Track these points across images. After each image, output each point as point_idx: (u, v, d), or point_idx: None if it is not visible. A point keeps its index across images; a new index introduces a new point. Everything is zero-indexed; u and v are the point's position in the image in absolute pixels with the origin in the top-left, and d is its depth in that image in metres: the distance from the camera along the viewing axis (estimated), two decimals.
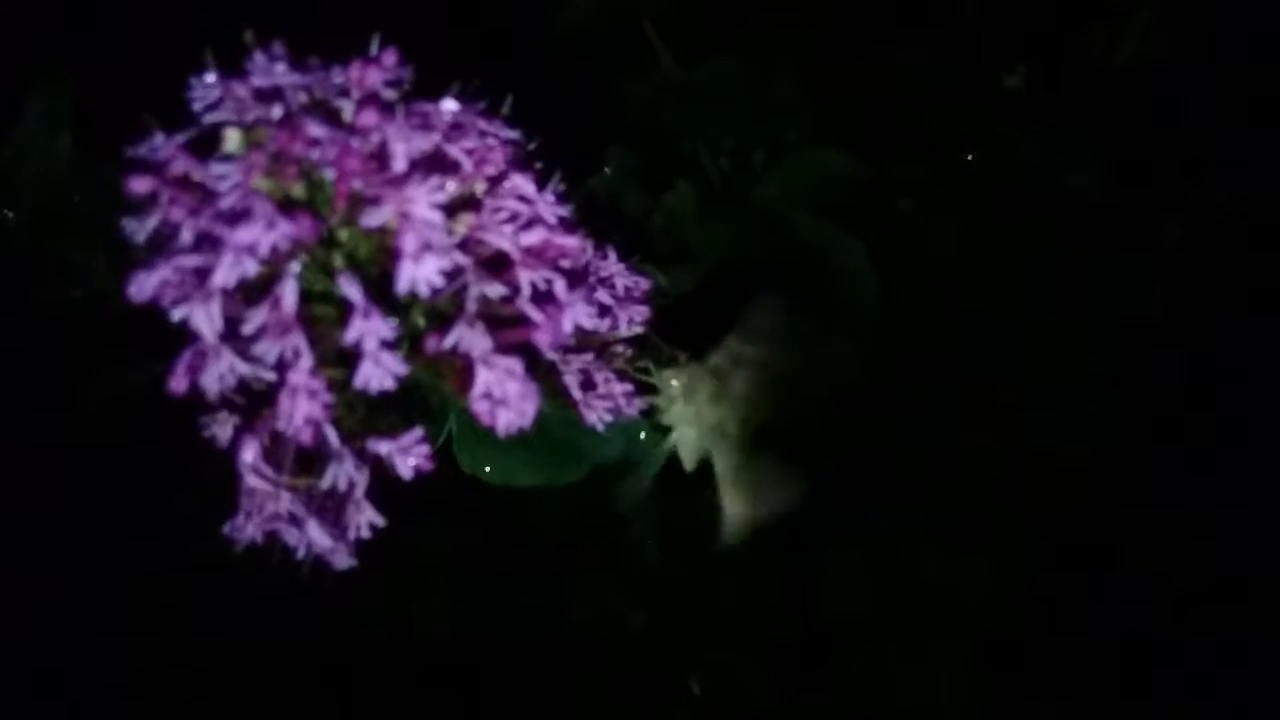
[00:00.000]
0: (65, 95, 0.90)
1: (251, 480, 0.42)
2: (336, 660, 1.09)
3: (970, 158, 1.22)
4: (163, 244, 0.39)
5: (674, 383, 0.63)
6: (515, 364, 0.41)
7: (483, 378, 0.40)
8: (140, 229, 0.40)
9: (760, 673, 1.09)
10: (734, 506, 0.67)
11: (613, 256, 0.52)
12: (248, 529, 0.43)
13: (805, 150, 1.06)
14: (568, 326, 0.42)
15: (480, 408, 0.40)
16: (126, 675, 1.04)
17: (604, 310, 0.52)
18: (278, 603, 1.05)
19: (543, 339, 0.41)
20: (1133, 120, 1.18)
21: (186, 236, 0.38)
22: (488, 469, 0.59)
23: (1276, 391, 1.10)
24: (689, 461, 0.67)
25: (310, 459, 0.44)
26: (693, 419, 0.65)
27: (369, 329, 0.36)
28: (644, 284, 0.53)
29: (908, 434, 1.15)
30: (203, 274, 0.37)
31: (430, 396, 0.60)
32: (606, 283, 0.52)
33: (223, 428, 0.43)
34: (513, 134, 0.44)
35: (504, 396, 0.40)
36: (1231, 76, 1.15)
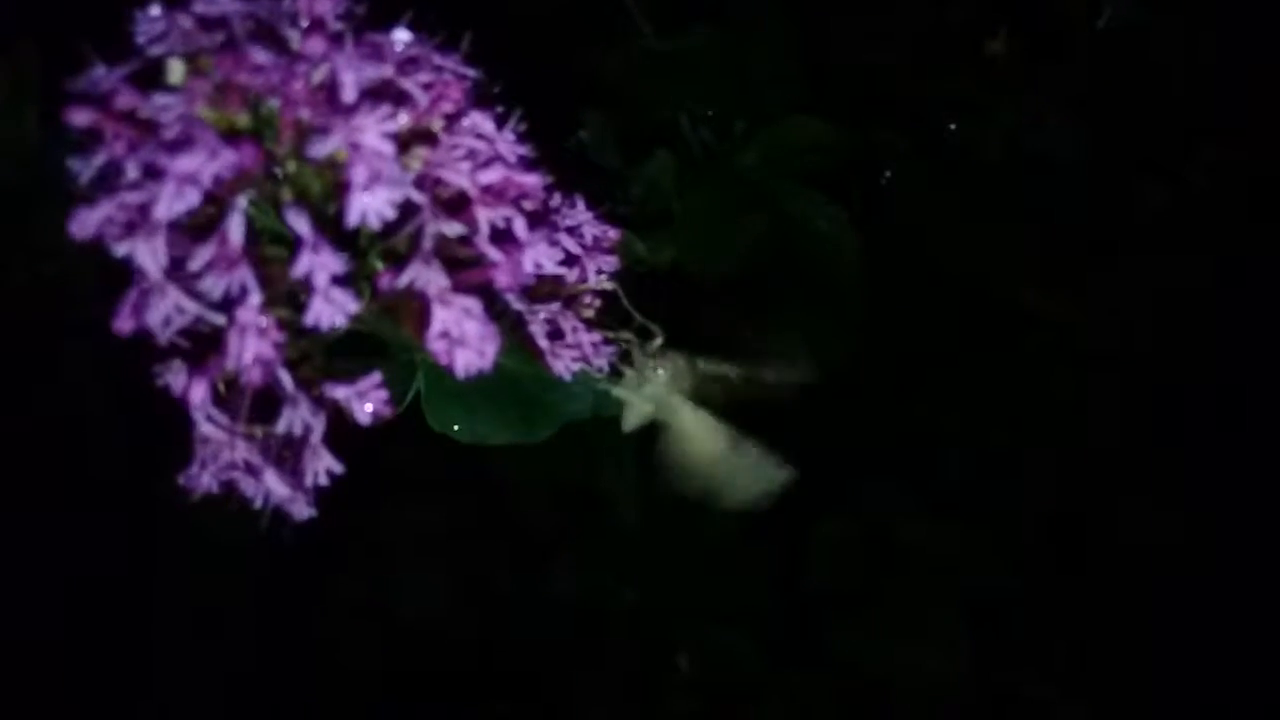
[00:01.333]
0: (32, 67, 0.89)
1: (205, 427, 0.41)
2: (327, 640, 1.08)
3: (953, 127, 1.21)
4: (109, 183, 0.38)
5: (641, 359, 0.61)
6: (473, 303, 0.39)
7: (439, 316, 0.39)
8: (86, 168, 0.39)
9: (750, 647, 1.08)
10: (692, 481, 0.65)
11: (580, 205, 0.51)
12: (203, 478, 0.42)
13: (786, 119, 1.05)
14: (528, 266, 0.41)
15: (437, 347, 0.39)
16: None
17: (572, 260, 0.51)
18: (266, 586, 1.05)
19: (502, 278, 0.40)
20: (1115, 85, 1.17)
21: (130, 172, 0.37)
22: (456, 427, 0.58)
23: (1264, 361, 1.10)
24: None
25: (267, 407, 0.43)
26: (652, 398, 0.62)
27: (318, 263, 0.35)
28: (612, 234, 0.52)
29: (896, 407, 1.14)
30: (147, 210, 0.36)
31: (398, 354, 0.59)
32: (574, 232, 0.51)
33: (176, 376, 0.41)
34: (471, 71, 0.43)
35: (462, 336, 0.39)
36: (1213, 41, 1.14)
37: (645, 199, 1.04)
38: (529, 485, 1.07)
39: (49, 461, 0.97)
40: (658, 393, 0.59)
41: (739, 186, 1.05)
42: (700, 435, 0.61)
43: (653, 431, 0.64)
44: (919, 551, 1.09)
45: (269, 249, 0.40)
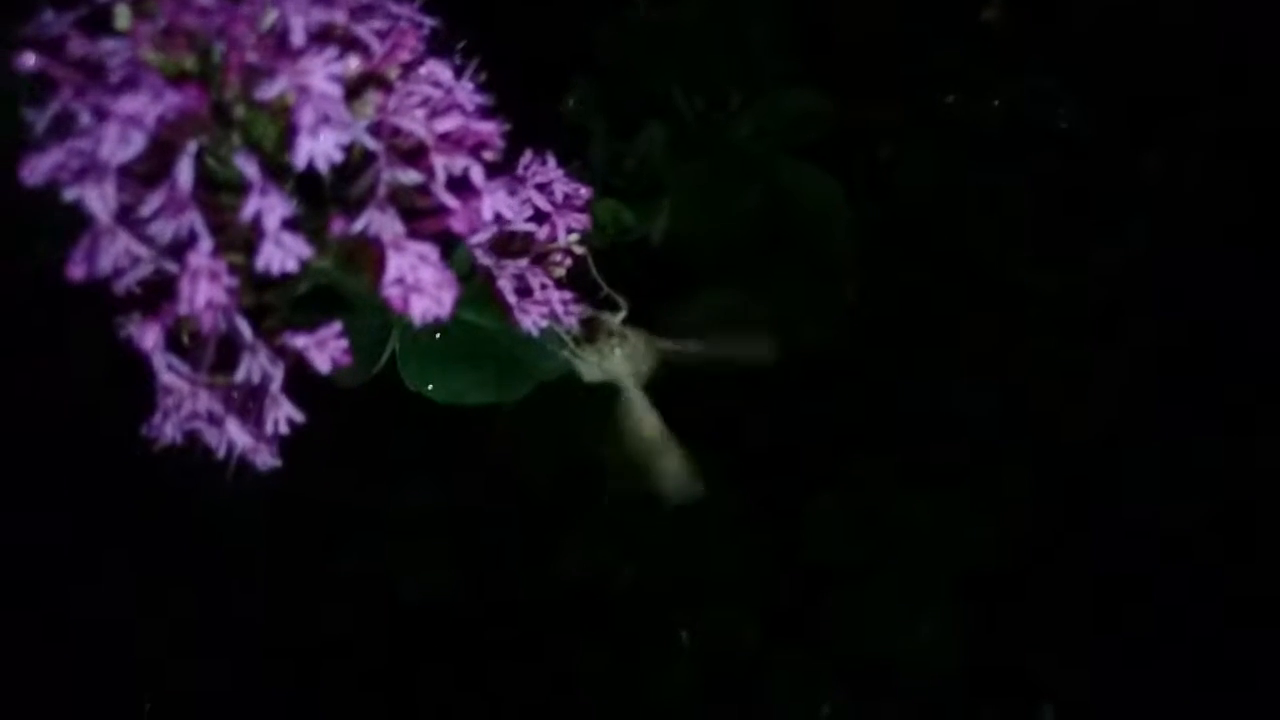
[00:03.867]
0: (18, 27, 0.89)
1: (166, 376, 0.41)
2: (326, 620, 1.08)
3: (949, 99, 1.20)
4: (62, 130, 0.38)
5: (606, 333, 0.60)
6: (428, 249, 0.39)
7: (394, 263, 0.39)
8: (40, 117, 0.39)
9: (749, 622, 1.08)
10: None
11: (551, 162, 0.51)
12: (166, 429, 0.42)
13: (781, 90, 1.04)
14: (487, 214, 0.41)
15: (392, 293, 0.39)
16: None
17: (541, 217, 0.51)
18: (271, 563, 1.06)
19: (458, 224, 0.40)
20: (1115, 53, 1.16)
21: (81, 117, 0.37)
22: (431, 387, 0.58)
23: (1263, 328, 1.09)
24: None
25: (232, 359, 0.43)
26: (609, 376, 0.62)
27: (266, 205, 0.35)
28: (584, 191, 0.52)
29: (891, 381, 1.13)
30: (97, 155, 0.36)
31: (371, 313, 0.59)
32: (544, 189, 0.51)
33: (138, 328, 0.42)
34: (429, 20, 0.43)
35: (417, 282, 0.39)
36: (1215, 6, 1.13)
37: (637, 171, 1.03)
38: (531, 463, 1.07)
39: (48, 441, 0.98)
40: (613, 370, 0.59)
41: (733, 159, 1.04)
42: (646, 419, 0.61)
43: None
44: (916, 526, 1.08)
45: (224, 197, 0.40)
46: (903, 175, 1.17)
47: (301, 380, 0.43)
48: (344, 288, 0.50)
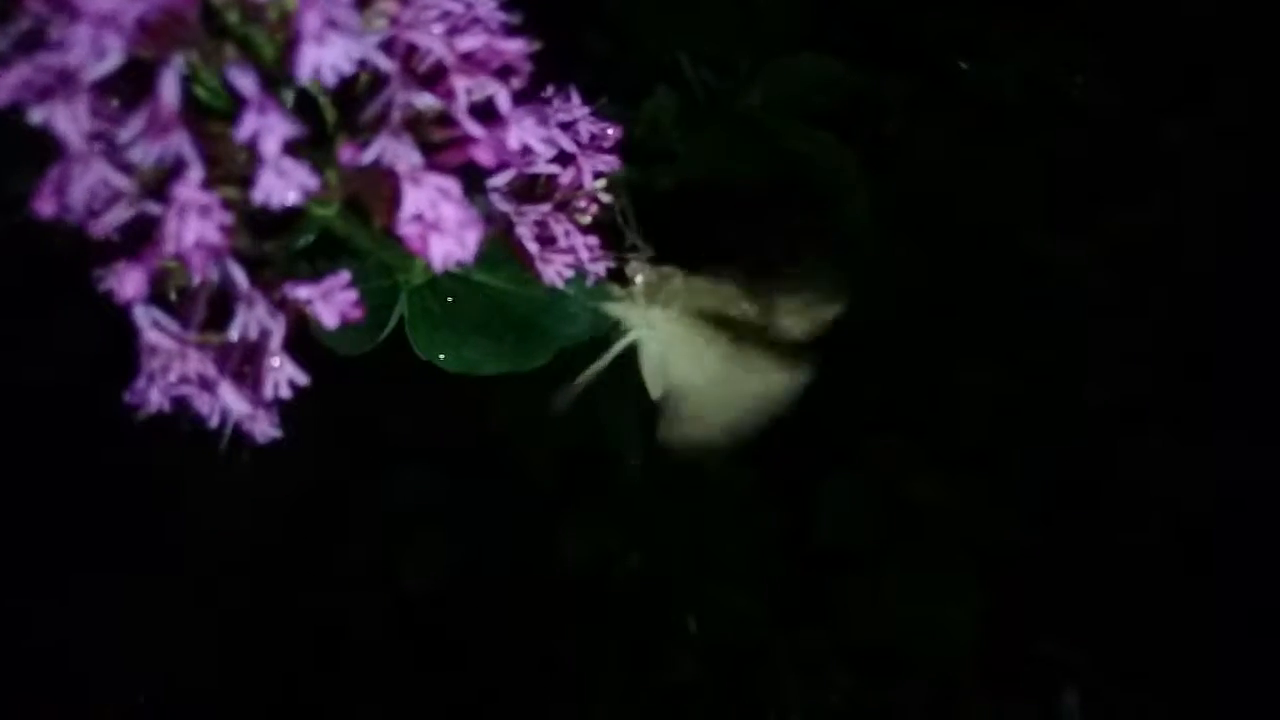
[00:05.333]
0: None
1: (151, 334, 0.36)
2: (330, 608, 1.05)
3: (965, 66, 1.16)
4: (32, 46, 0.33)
5: (639, 278, 0.55)
6: (450, 183, 0.34)
7: (411, 197, 0.34)
8: (4, 36, 0.34)
9: (757, 607, 1.05)
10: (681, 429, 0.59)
11: (576, 99, 0.46)
12: (151, 394, 0.37)
13: (792, 57, 1.01)
14: (513, 143, 0.36)
15: (409, 231, 0.34)
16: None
17: (566, 159, 0.46)
18: (268, 552, 1.02)
19: (483, 155, 0.35)
20: (1132, 18, 1.12)
21: (51, 28, 0.32)
22: (442, 356, 0.53)
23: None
24: (653, 388, 0.59)
25: (224, 314, 0.38)
26: (650, 322, 0.57)
27: (265, 125, 0.30)
28: (612, 131, 0.47)
29: (904, 358, 1.10)
30: (68, 72, 0.31)
31: (379, 276, 0.54)
32: (569, 128, 0.46)
33: (118, 276, 0.36)
34: None
35: (438, 220, 0.34)
36: None
37: (646, 139, 1.00)
38: (533, 449, 1.03)
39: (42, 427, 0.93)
40: (651, 312, 0.54)
41: (743, 127, 1.00)
42: (691, 356, 0.55)
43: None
44: (929, 508, 1.05)
45: (217, 126, 0.35)
46: (913, 144, 1.13)
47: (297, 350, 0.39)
48: (351, 241, 0.45)
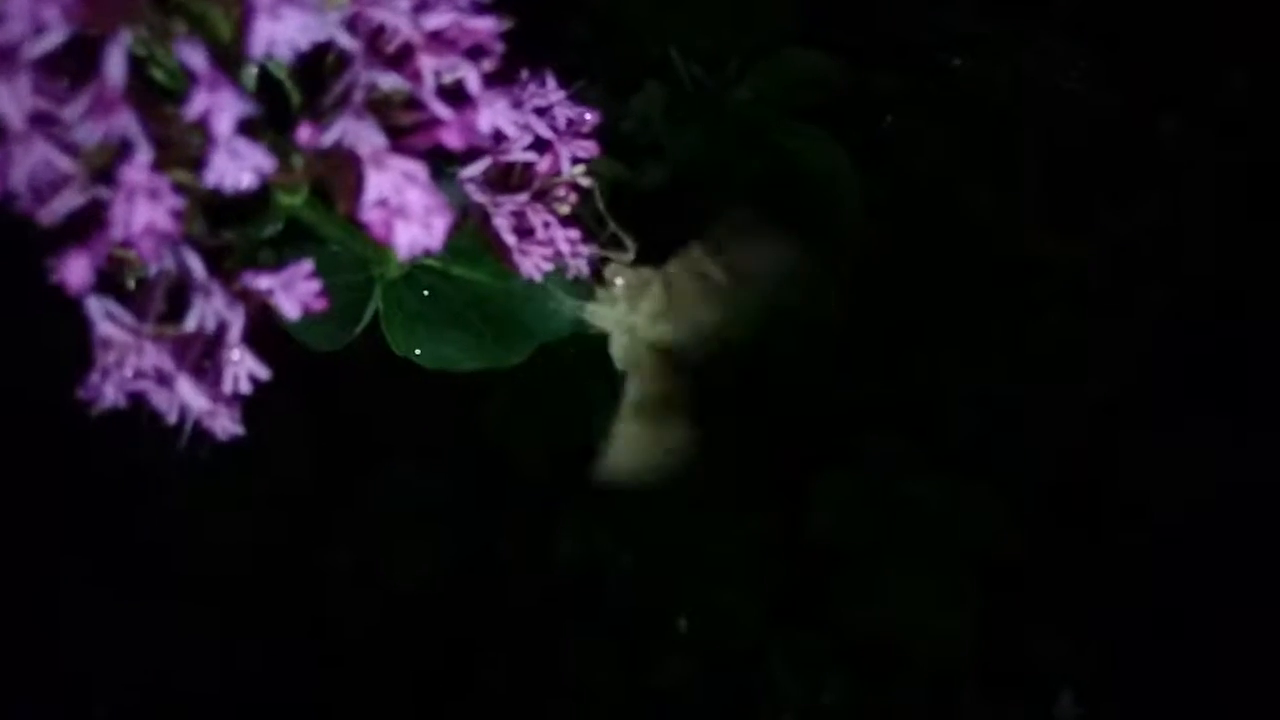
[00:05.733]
0: None
1: (104, 326, 0.34)
2: (317, 611, 1.05)
3: (958, 62, 1.15)
4: None
5: (618, 280, 0.54)
6: (416, 167, 0.33)
7: (374, 181, 0.32)
8: None
9: (752, 607, 1.04)
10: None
11: (551, 83, 0.44)
12: (106, 390, 0.36)
13: (783, 51, 1.00)
14: (484, 126, 0.34)
15: (373, 217, 0.32)
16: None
17: (543, 146, 0.44)
18: (256, 553, 1.02)
19: (451, 138, 0.33)
20: (1127, 13, 1.11)
21: None
22: (419, 352, 0.51)
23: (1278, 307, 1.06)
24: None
25: (184, 307, 0.36)
26: (629, 328, 0.55)
27: (216, 102, 0.28)
28: (590, 116, 0.45)
29: (896, 357, 1.09)
30: (9, 51, 0.29)
31: (352, 271, 0.53)
32: (545, 114, 0.44)
33: (66, 264, 0.35)
34: None
35: (403, 206, 0.32)
36: None
37: (634, 133, 0.98)
38: (525, 447, 1.02)
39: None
40: (626, 318, 0.53)
41: (733, 123, 0.99)
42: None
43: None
44: (923, 507, 1.04)
45: (169, 108, 0.33)
46: (905, 141, 1.12)
47: (275, 351, 0.37)
48: (320, 230, 0.44)
